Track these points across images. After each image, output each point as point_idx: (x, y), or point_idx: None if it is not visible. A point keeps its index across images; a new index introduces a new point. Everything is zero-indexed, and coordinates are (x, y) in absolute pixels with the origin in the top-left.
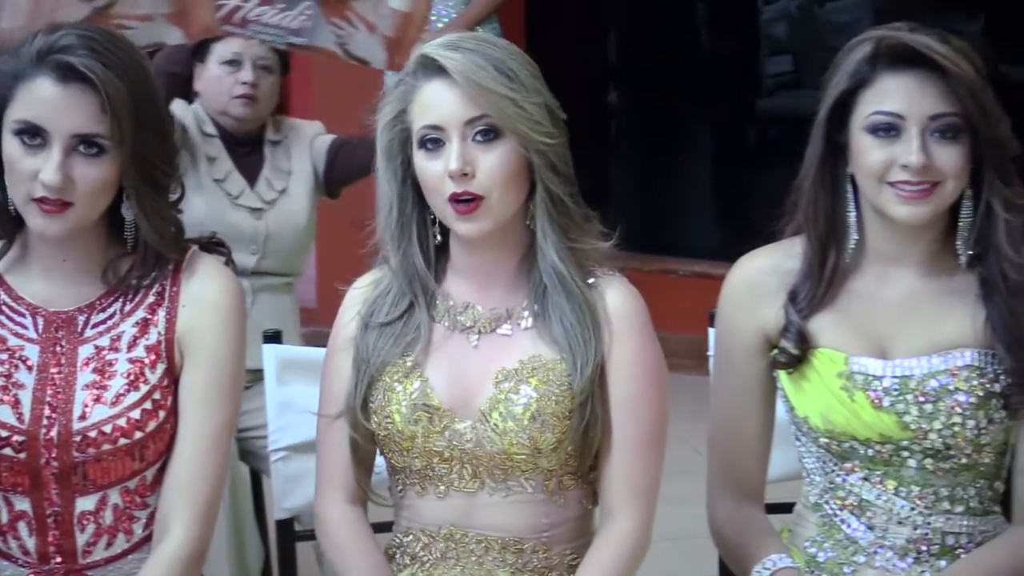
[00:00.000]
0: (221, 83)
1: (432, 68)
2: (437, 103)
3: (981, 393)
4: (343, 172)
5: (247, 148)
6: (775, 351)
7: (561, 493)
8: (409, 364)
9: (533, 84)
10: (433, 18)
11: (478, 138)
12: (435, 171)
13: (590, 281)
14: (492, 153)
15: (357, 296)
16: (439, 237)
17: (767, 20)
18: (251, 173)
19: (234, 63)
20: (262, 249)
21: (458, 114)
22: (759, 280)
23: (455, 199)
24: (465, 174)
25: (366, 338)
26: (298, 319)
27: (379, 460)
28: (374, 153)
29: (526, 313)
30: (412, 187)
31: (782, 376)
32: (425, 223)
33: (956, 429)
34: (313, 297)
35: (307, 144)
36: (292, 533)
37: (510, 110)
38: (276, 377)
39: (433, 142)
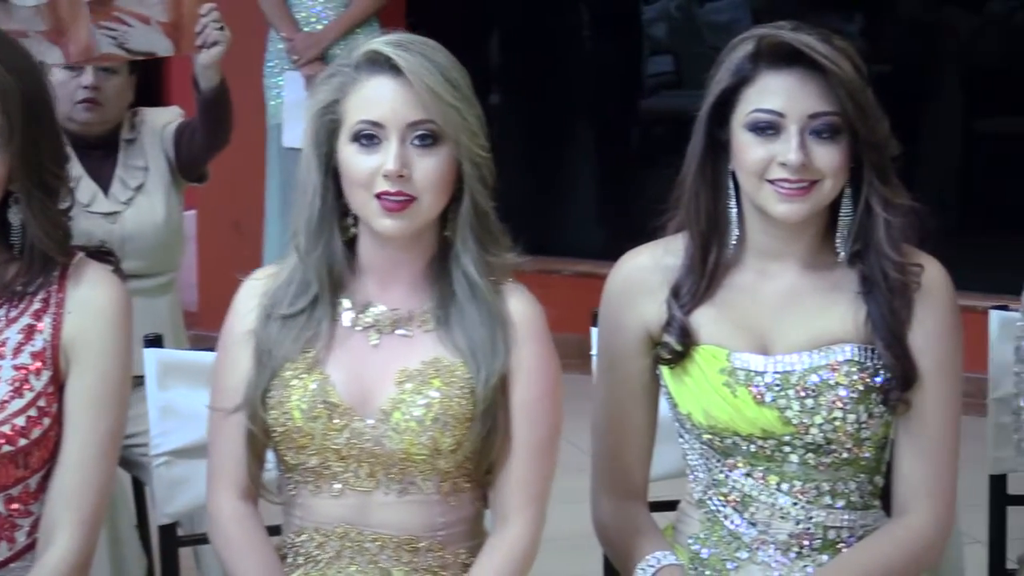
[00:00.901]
0: (65, 88)
1: (380, 64)
2: (381, 100)
3: (861, 387)
4: (189, 155)
5: (101, 151)
6: (658, 347)
7: (456, 495)
8: (310, 360)
9: (470, 95)
10: (312, 20)
11: (416, 142)
12: (367, 167)
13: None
14: (430, 158)
15: (256, 287)
16: (353, 230)
17: (648, 20)
18: (104, 178)
19: (75, 68)
20: (121, 252)
21: (402, 115)
22: (641, 277)
23: (383, 196)
24: (401, 176)
25: (268, 329)
26: (181, 321)
27: (270, 459)
28: (208, 131)
29: (428, 317)
30: (333, 178)
31: (665, 373)
32: (342, 216)
33: (837, 424)
34: (195, 300)
35: (159, 134)
36: (175, 538)
37: (455, 119)
38: (157, 381)
39: (368, 137)
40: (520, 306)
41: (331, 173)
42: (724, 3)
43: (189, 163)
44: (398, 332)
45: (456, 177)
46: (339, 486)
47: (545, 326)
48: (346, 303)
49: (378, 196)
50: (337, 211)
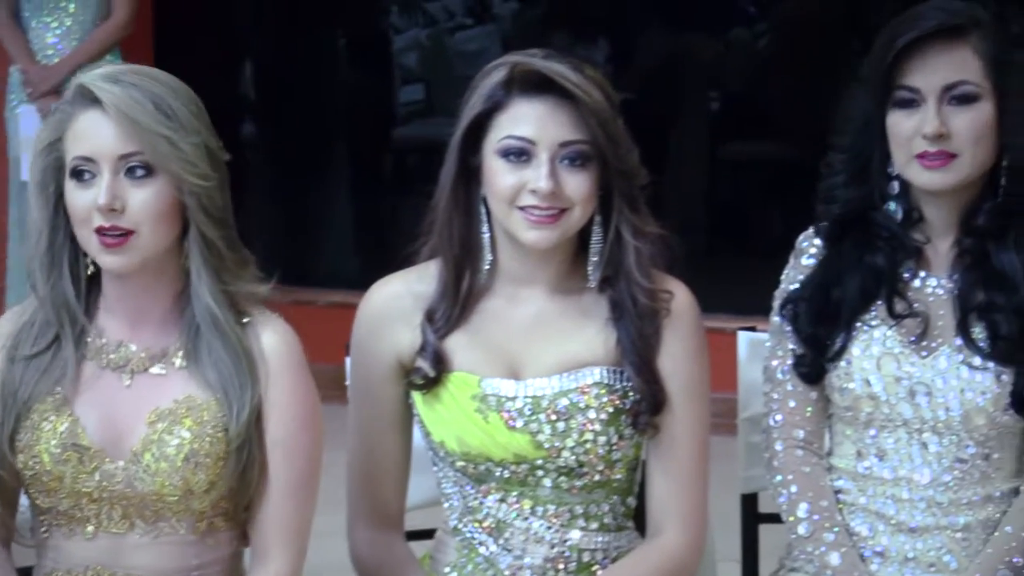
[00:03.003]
0: None
1: (89, 99)
2: (91, 134)
3: (611, 410)
4: None
5: None
6: (411, 373)
7: (212, 534)
8: (58, 400)
9: (192, 123)
10: (49, 52)
11: (129, 174)
12: (84, 202)
13: (245, 320)
14: (144, 190)
15: (2, 328)
16: (92, 268)
17: (399, 50)
18: None
19: None
20: None
21: (111, 148)
22: (393, 305)
23: (101, 232)
24: (114, 209)
25: (12, 372)
26: None
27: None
28: None
29: (180, 353)
30: (64, 216)
31: (418, 401)
32: (77, 254)
33: (588, 446)
34: None
35: None
36: None
37: (164, 148)
38: None
39: (84, 173)
40: (272, 338)
41: (63, 211)
42: (474, 32)
43: None
44: (152, 371)
45: (182, 208)
46: (92, 528)
47: (300, 358)
48: (96, 344)
49: (96, 232)
50: (71, 248)
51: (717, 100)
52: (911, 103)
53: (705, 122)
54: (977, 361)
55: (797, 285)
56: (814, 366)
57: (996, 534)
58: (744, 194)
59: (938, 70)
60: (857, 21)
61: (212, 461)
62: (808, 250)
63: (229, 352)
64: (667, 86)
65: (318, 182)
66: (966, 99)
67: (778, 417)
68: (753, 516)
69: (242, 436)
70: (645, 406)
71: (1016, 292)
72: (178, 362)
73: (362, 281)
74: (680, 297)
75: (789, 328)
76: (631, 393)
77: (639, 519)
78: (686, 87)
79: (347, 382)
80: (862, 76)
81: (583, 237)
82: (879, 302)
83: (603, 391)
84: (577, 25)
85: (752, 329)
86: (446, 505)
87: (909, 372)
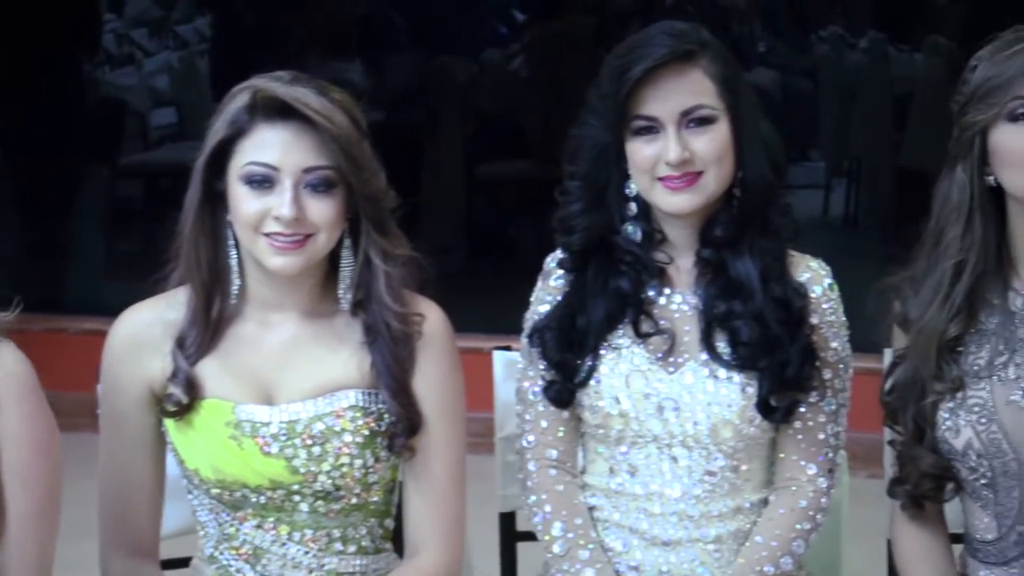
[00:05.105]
0: None
1: None
2: None
3: (366, 432)
4: None
5: None
6: (163, 401)
7: None
8: None
9: None
10: None
11: None
12: None
13: None
14: None
15: None
16: None
17: (149, 72)
18: None
19: None
20: None
21: None
22: (142, 332)
23: None
24: None
25: None
26: None
27: None
28: None
29: None
30: None
31: (171, 429)
32: None
33: (344, 470)
34: None
35: None
36: None
37: None
38: None
39: None
40: (5, 368)
41: None
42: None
43: None
44: None
45: None
46: None
47: (34, 384)
48: None
49: None
50: None
51: (472, 120)
52: (650, 130)
53: (460, 142)
54: (722, 373)
55: (546, 306)
56: (564, 391)
57: (747, 544)
58: (500, 213)
59: (673, 97)
60: (606, 39)
61: None
62: (556, 271)
63: None
64: (422, 106)
65: (68, 208)
66: (703, 121)
67: (531, 438)
68: (511, 534)
69: None
70: (400, 428)
71: (752, 298)
72: None
73: (115, 308)
74: (432, 319)
75: (539, 353)
76: (386, 416)
77: (398, 541)
78: (441, 107)
79: (99, 410)
80: (591, 104)
81: (334, 260)
82: (626, 320)
83: (358, 414)
84: (331, 45)
85: (507, 348)
86: (201, 533)
87: (657, 388)
